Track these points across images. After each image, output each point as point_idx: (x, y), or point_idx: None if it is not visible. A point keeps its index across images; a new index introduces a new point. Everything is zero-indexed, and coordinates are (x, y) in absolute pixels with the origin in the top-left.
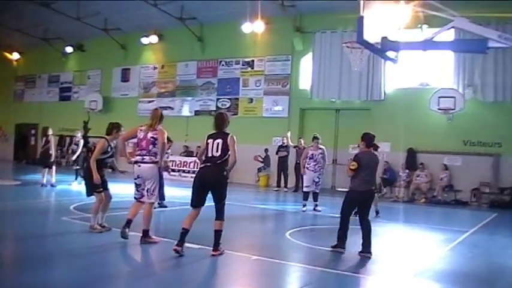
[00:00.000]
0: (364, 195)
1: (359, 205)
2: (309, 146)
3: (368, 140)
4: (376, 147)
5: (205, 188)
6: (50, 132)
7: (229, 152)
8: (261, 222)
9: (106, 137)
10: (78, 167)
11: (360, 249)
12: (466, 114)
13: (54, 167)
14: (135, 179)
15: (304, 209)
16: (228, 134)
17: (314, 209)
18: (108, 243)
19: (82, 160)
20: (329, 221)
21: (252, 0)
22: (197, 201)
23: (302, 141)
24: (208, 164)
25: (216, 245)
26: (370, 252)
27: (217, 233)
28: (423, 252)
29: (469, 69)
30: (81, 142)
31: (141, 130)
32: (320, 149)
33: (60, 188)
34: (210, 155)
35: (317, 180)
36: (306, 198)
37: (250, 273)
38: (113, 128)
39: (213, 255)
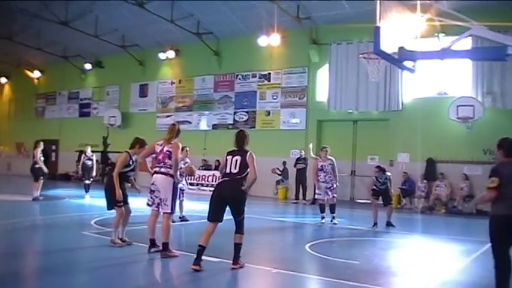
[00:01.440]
0: None
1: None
2: (317, 158)
3: (508, 147)
4: None
5: (223, 202)
6: (41, 147)
7: (248, 169)
8: (280, 235)
9: (128, 150)
10: (88, 182)
11: None
12: (486, 123)
13: (41, 181)
14: (151, 185)
15: (323, 221)
16: (247, 151)
17: (331, 221)
18: (128, 257)
19: (88, 173)
20: (348, 232)
21: (267, 13)
22: (214, 216)
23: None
24: (227, 179)
25: (236, 258)
26: None
27: (237, 246)
28: (444, 263)
29: (488, 77)
30: (94, 156)
31: (158, 145)
32: (329, 159)
33: (80, 202)
34: (228, 171)
35: (329, 187)
36: (322, 210)
37: (271, 287)
38: (137, 143)
39: (233, 268)
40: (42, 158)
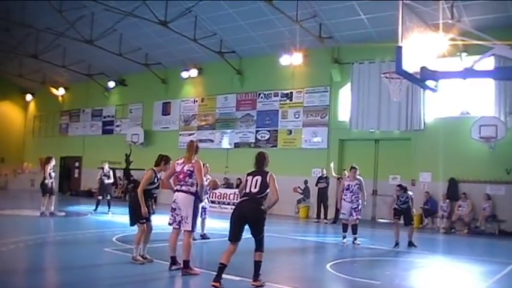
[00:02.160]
0: None
1: None
2: (345, 177)
3: None
4: None
5: (243, 221)
6: (52, 162)
7: (268, 189)
8: (301, 254)
9: (154, 168)
10: (101, 198)
11: None
12: (508, 142)
13: (53, 196)
14: (172, 203)
15: (345, 240)
16: (268, 172)
17: (353, 242)
18: (149, 275)
19: (104, 190)
20: (369, 252)
21: (290, 32)
22: (235, 236)
23: (346, 173)
24: (247, 198)
25: (256, 276)
26: None
27: (257, 264)
28: (466, 284)
29: (510, 96)
30: (111, 173)
31: (178, 164)
32: (357, 179)
33: (102, 219)
34: (248, 190)
35: (355, 207)
36: (345, 229)
37: None
38: (162, 160)
39: (254, 285)
40: (53, 174)
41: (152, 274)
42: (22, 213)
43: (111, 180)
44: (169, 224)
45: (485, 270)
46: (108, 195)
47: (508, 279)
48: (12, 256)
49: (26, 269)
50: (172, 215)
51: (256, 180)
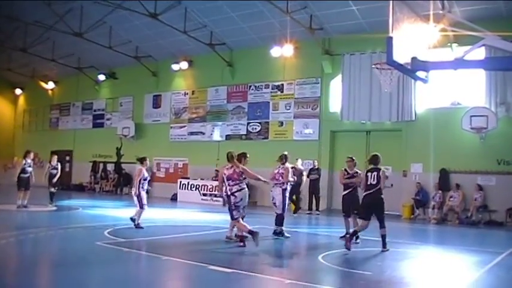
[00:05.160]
0: None
1: None
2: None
3: None
4: None
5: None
6: (30, 157)
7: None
8: (293, 246)
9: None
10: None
11: None
12: (499, 133)
13: (28, 191)
14: (239, 201)
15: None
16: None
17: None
18: (141, 267)
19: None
20: (361, 243)
21: (280, 24)
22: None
23: (299, 162)
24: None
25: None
26: None
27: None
28: (458, 274)
29: (501, 86)
30: (59, 166)
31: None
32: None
33: (93, 213)
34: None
35: None
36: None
37: None
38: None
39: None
40: (30, 169)
41: (144, 267)
42: (11, 208)
43: (58, 174)
44: (236, 218)
45: (477, 260)
46: (55, 188)
47: (499, 269)
48: (1, 251)
49: (17, 264)
50: (238, 211)
51: (373, 176)
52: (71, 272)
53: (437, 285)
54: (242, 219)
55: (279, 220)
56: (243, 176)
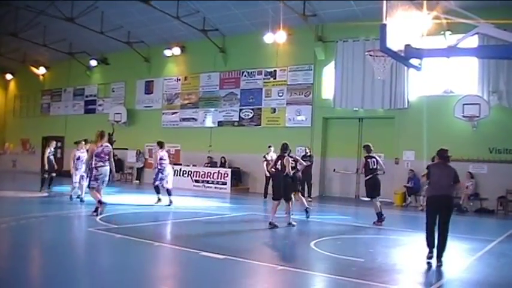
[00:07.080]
0: None
1: None
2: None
3: None
4: None
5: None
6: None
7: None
8: (285, 232)
9: None
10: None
11: None
12: (491, 121)
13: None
14: (99, 175)
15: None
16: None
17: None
18: (133, 253)
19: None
20: (353, 230)
21: (273, 10)
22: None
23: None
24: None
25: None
26: None
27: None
28: (449, 262)
29: (494, 75)
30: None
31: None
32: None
33: (85, 199)
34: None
35: None
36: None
37: (276, 284)
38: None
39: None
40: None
41: (137, 253)
42: (5, 195)
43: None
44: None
45: (468, 248)
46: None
47: (490, 256)
48: None
49: (8, 250)
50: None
51: (373, 161)
52: (63, 259)
53: (429, 272)
54: (98, 191)
55: None
56: (108, 156)
